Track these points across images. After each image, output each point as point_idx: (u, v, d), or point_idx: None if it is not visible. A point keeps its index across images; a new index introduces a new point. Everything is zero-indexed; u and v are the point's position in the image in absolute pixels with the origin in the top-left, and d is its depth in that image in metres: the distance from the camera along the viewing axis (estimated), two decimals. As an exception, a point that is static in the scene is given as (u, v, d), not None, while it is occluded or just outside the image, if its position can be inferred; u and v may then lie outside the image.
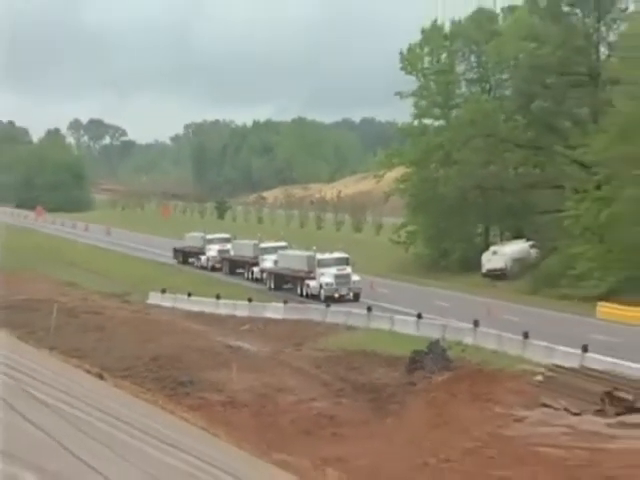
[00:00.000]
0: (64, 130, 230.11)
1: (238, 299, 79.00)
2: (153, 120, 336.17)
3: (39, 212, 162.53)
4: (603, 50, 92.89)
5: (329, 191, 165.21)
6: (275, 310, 75.37)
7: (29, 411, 8.19)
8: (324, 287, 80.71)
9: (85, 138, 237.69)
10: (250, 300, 78.95)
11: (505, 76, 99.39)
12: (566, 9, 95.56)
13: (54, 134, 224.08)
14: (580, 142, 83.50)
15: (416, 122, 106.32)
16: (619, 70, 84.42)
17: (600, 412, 46.29)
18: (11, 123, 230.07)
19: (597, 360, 53.47)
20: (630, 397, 46.52)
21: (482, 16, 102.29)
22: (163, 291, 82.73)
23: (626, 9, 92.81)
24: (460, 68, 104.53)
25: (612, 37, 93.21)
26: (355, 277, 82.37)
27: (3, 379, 10.32)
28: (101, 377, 26.89)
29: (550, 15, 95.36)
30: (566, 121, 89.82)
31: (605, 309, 69.59)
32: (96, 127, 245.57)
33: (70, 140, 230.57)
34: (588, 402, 47.57)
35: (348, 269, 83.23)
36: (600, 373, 50.68)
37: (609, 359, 52.89)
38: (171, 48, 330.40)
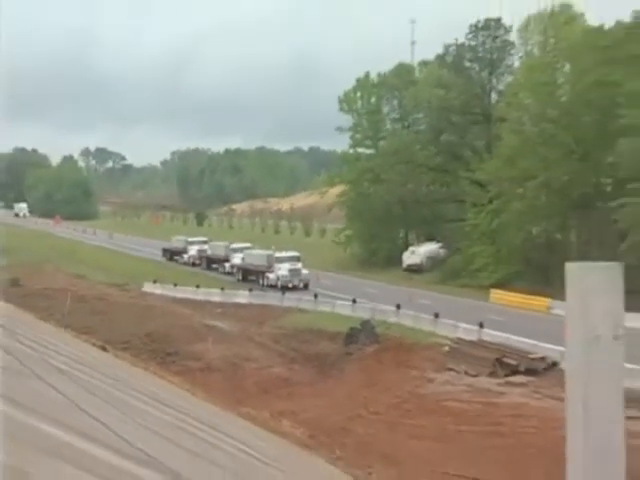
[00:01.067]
0: (76, 156, 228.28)
1: (213, 288, 79.16)
2: (147, 148, 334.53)
3: (57, 220, 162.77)
4: (494, 96, 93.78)
5: (284, 204, 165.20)
6: (242, 297, 75.64)
7: (48, 376, 8.46)
8: (280, 279, 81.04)
9: (93, 162, 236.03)
10: (222, 289, 79.02)
11: (420, 115, 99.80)
12: (467, 64, 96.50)
13: (68, 159, 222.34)
14: (477, 167, 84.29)
15: (352, 151, 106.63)
16: (505, 111, 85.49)
17: (492, 374, 47.01)
18: (34, 150, 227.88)
19: (490, 334, 54.15)
20: (515, 362, 47.44)
21: (402, 69, 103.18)
22: (154, 282, 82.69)
23: (512, 65, 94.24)
24: (385, 109, 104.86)
25: (500, 86, 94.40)
26: (304, 271, 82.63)
27: (28, 351, 10.56)
28: (104, 349, 27.01)
29: (455, 69, 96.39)
30: (467, 150, 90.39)
31: (496, 295, 70.41)
32: (101, 154, 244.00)
33: (81, 164, 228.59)
34: (483, 367, 48.28)
35: (299, 265, 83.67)
36: (492, 344, 51.51)
37: (499, 333, 53.55)
38: (163, 90, 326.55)
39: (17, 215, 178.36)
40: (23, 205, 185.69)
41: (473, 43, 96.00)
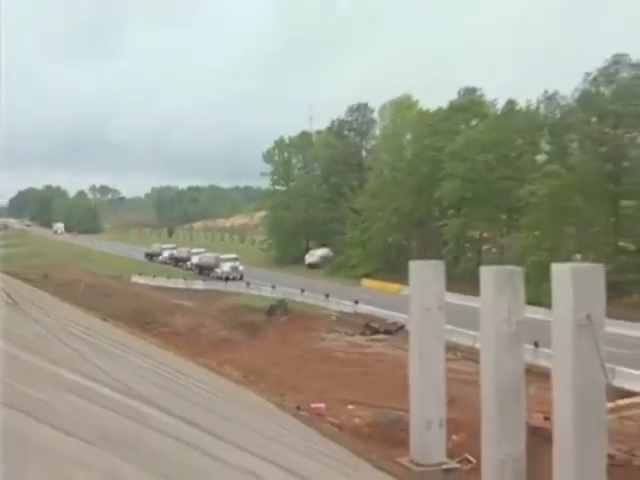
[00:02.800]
0: (86, 190, 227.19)
1: (179, 279, 78.95)
2: (135, 185, 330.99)
3: (74, 234, 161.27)
4: (364, 153, 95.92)
5: (227, 223, 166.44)
6: (199, 285, 76.14)
7: (65, 338, 8.35)
8: (224, 272, 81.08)
9: (98, 195, 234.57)
10: (185, 279, 79.31)
11: (316, 165, 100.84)
12: (346, 133, 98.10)
13: (81, 193, 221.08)
14: (353, 199, 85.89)
15: (271, 188, 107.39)
16: (371, 163, 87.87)
17: (362, 334, 47.82)
18: (58, 187, 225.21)
19: (362, 308, 54.87)
20: (377, 326, 48.44)
21: (304, 135, 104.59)
22: (139, 274, 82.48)
23: (374, 134, 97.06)
24: (293, 161, 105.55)
25: (368, 147, 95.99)
26: (241, 267, 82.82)
27: (52, 322, 10.40)
28: (105, 320, 26.65)
29: (338, 135, 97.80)
30: (346, 188, 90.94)
31: (365, 282, 71.48)
32: (104, 189, 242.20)
33: (90, 196, 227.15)
34: (357, 329, 49.04)
35: (237, 263, 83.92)
36: (363, 315, 52.38)
37: (367, 307, 54.29)
38: (148, 147, 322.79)
39: (55, 232, 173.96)
40: (60, 225, 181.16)
41: (350, 119, 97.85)
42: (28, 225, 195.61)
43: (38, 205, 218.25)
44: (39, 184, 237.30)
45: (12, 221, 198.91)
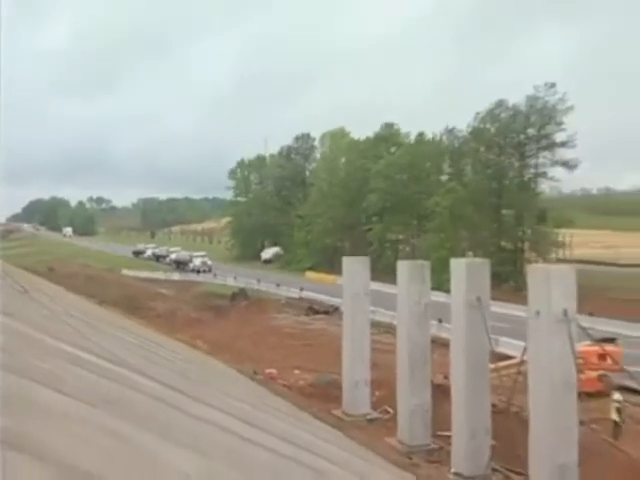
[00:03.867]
0: (85, 201, 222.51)
1: (160, 272, 77.67)
2: (124, 196, 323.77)
3: (71, 235, 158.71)
4: (307, 173, 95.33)
5: (199, 227, 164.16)
6: (176, 276, 74.28)
7: (67, 319, 8.22)
8: (196, 266, 79.88)
9: (94, 204, 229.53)
10: (164, 272, 77.93)
11: (270, 181, 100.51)
12: (293, 156, 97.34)
13: (80, 203, 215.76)
14: (299, 208, 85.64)
15: (235, 199, 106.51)
16: (313, 180, 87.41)
17: (306, 314, 47.76)
18: (62, 198, 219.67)
19: (306, 294, 54.81)
20: (318, 308, 48.50)
21: (260, 158, 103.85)
22: (128, 268, 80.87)
23: (315, 157, 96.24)
24: (252, 177, 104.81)
25: (311, 168, 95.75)
26: (209, 262, 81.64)
27: (57, 307, 10.22)
28: (100, 305, 26.14)
29: (287, 158, 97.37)
30: (294, 199, 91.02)
31: (308, 274, 70.87)
32: (99, 200, 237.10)
33: (87, 205, 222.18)
34: (301, 311, 49.00)
35: (206, 259, 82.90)
36: (306, 299, 52.31)
37: (310, 293, 54.19)
38: (137, 164, 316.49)
39: (64, 235, 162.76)
40: (69, 229, 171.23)
41: (296, 145, 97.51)
42: (37, 229, 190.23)
43: (45, 213, 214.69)
44: (46, 195, 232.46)
45: (25, 225, 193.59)
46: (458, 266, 19.56)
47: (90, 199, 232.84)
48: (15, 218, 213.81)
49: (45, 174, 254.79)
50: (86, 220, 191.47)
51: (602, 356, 24.20)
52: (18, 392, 2.12)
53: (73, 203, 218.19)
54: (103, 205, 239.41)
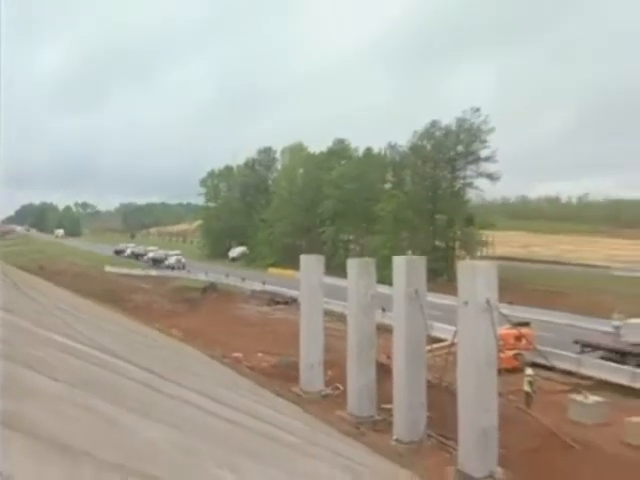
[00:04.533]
0: (71, 205, 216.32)
1: (139, 268, 75.88)
2: (107, 201, 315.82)
3: (63, 237, 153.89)
4: (270, 182, 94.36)
5: (174, 229, 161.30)
6: (153, 273, 72.45)
7: (55, 311, 8.06)
8: (171, 264, 77.95)
9: (80, 209, 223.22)
10: (143, 268, 76.06)
11: (237, 189, 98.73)
12: (257, 167, 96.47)
13: (68, 207, 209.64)
14: (262, 212, 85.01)
15: (206, 204, 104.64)
16: (275, 188, 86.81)
17: (268, 305, 47.33)
18: (51, 203, 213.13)
19: (268, 287, 54.19)
20: (279, 299, 48.04)
21: (228, 169, 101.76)
22: (111, 265, 78.61)
23: (277, 167, 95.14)
24: (221, 186, 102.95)
25: (272, 177, 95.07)
26: (183, 260, 79.95)
27: (46, 300, 10.01)
28: (85, 298, 25.60)
29: (251, 169, 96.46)
30: (258, 205, 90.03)
31: (271, 270, 70.16)
32: (84, 204, 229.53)
33: (74, 210, 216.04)
34: (264, 302, 48.56)
35: (180, 257, 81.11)
36: (268, 292, 51.71)
37: (272, 287, 53.57)
38: (118, 173, 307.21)
39: (57, 237, 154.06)
40: (60, 230, 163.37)
41: (260, 157, 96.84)
42: (28, 230, 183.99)
43: (36, 216, 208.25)
44: (37, 200, 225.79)
45: (17, 227, 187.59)
46: (399, 263, 19.83)
47: (76, 204, 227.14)
48: (9, 220, 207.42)
49: (36, 181, 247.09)
50: (73, 223, 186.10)
51: (518, 338, 24.84)
52: (13, 378, 2.10)
53: (61, 207, 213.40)
54: (88, 209, 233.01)
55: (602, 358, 25.43)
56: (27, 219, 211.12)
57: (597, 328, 30.03)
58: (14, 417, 1.78)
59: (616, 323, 27.45)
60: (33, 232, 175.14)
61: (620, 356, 24.98)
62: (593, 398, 20.07)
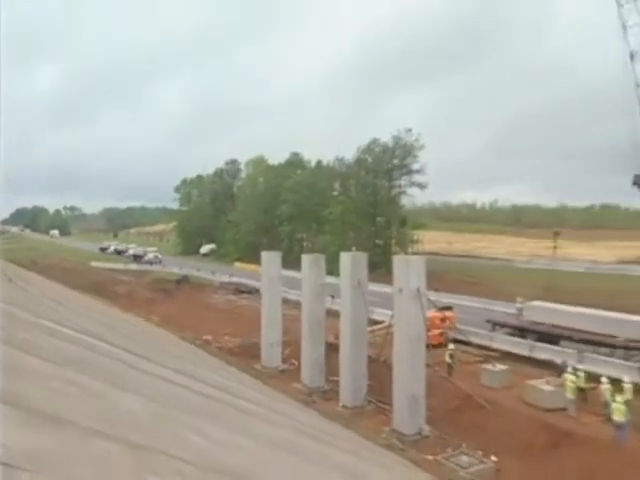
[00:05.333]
0: (61, 209, 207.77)
1: (121, 263, 73.46)
2: (93, 205, 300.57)
3: (55, 237, 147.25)
4: (235, 189, 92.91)
5: (152, 229, 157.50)
6: (134, 267, 70.00)
7: (45, 301, 7.79)
8: (149, 259, 75.52)
9: (68, 212, 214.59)
10: (125, 263, 73.49)
11: (207, 195, 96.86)
12: (225, 177, 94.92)
13: (57, 211, 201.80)
14: (230, 215, 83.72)
15: (180, 207, 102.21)
16: (239, 194, 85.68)
17: (234, 294, 46.58)
18: (42, 206, 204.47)
19: (234, 279, 53.02)
20: (243, 289, 47.24)
21: (199, 178, 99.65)
22: (96, 260, 75.82)
23: (242, 177, 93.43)
24: (193, 192, 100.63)
25: (238, 184, 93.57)
26: (160, 256, 77.67)
27: (38, 291, 9.64)
28: (73, 289, 24.77)
29: (219, 177, 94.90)
30: (225, 209, 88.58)
31: (237, 264, 69.02)
32: (72, 208, 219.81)
33: (63, 212, 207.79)
34: (230, 291, 47.84)
35: (157, 254, 78.86)
36: (234, 283, 50.82)
37: (237, 279, 52.56)
38: (102, 180, 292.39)
39: (51, 236, 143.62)
40: (55, 231, 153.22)
41: (227, 168, 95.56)
42: (22, 230, 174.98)
43: (29, 218, 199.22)
44: (30, 204, 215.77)
45: (13, 228, 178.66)
46: (345, 258, 20.00)
47: (65, 207, 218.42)
48: (4, 222, 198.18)
49: (29, 187, 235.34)
50: (62, 224, 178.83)
51: (442, 319, 25.39)
52: (7, 359, 2.04)
53: (51, 210, 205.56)
54: (75, 212, 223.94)
55: (508, 334, 26.12)
56: (21, 221, 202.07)
57: (504, 310, 30.52)
58: (7, 393, 1.74)
59: (519, 305, 28.26)
60: (27, 232, 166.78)
61: (522, 332, 25.68)
62: (500, 367, 20.69)
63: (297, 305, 27.08)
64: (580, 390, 17.56)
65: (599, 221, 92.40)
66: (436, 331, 24.33)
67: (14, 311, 4.07)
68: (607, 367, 19.93)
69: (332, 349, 20.85)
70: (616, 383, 17.06)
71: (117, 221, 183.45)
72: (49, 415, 1.82)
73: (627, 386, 17.00)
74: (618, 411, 15.20)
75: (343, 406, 18.62)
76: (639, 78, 15.16)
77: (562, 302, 27.19)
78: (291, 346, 23.32)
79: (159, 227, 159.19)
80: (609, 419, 15.53)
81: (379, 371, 18.81)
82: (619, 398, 15.62)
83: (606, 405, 16.13)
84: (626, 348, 21.70)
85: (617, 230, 73.20)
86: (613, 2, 15.33)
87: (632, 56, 15.41)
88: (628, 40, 15.25)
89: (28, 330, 3.31)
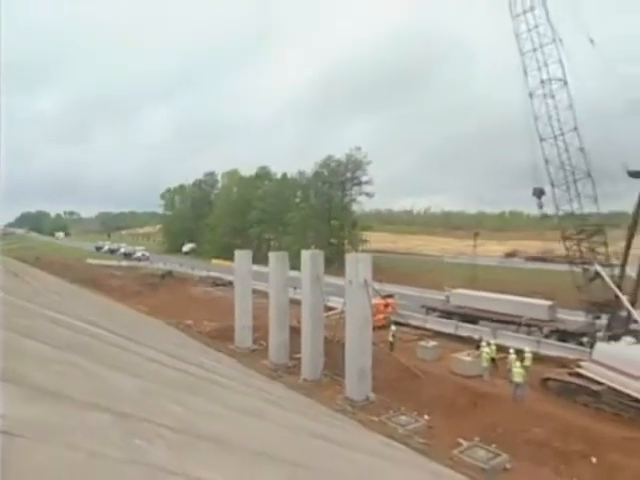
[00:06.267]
0: (61, 213, 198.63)
1: (114, 260, 70.48)
2: (89, 210, 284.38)
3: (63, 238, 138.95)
4: (212, 197, 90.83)
5: (141, 231, 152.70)
6: (124, 263, 67.22)
7: (47, 294, 7.45)
8: (138, 257, 73.32)
9: (67, 216, 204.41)
10: (117, 260, 70.37)
11: (188, 201, 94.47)
12: (204, 187, 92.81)
13: (58, 215, 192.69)
14: (207, 218, 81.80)
15: (164, 212, 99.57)
16: (215, 202, 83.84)
17: (211, 287, 45.59)
18: (45, 211, 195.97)
19: (211, 274, 51.90)
20: (219, 283, 46.19)
21: (181, 188, 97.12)
22: (92, 258, 72.25)
23: (218, 187, 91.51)
24: (176, 199, 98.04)
25: (214, 192, 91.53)
26: (147, 254, 75.37)
27: (40, 285, 9.21)
28: (71, 283, 23.67)
29: (199, 188, 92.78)
30: (204, 215, 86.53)
31: (214, 261, 67.32)
32: (71, 212, 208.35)
33: (63, 216, 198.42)
34: (208, 284, 46.76)
35: (146, 252, 76.64)
36: (212, 277, 49.66)
37: (214, 273, 51.38)
38: (97, 190, 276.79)
39: (57, 238, 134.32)
40: (61, 233, 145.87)
41: (205, 179, 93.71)
42: (28, 232, 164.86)
43: (32, 221, 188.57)
44: (34, 209, 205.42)
45: (18, 230, 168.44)
46: (305, 255, 20.03)
47: (65, 212, 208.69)
48: (10, 225, 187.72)
49: (33, 194, 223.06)
50: (62, 227, 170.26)
51: (386, 305, 25.80)
52: (12, 343, 1.96)
53: (52, 214, 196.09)
54: (74, 216, 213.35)
55: (438, 317, 26.59)
56: (26, 224, 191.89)
57: (435, 297, 31.07)
58: (10, 371, 1.69)
59: (446, 293, 28.90)
60: (33, 234, 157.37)
61: (448, 315, 26.19)
62: (432, 343, 21.17)
63: (265, 295, 26.91)
64: (492, 360, 18.21)
65: (509, 224, 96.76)
66: (380, 315, 24.51)
67: (19, 302, 3.90)
68: (514, 341, 20.73)
69: (295, 332, 20.83)
70: (520, 353, 17.83)
71: (110, 224, 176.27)
72: (49, 391, 1.77)
73: (527, 355, 17.80)
74: (518, 374, 15.93)
75: (304, 379, 18.64)
76: (536, 113, 15.92)
77: (480, 289, 27.83)
78: (260, 330, 23.14)
79: (147, 229, 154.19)
80: (511, 382, 16.20)
81: (333, 349, 18.95)
82: (518, 364, 16.35)
83: (510, 370, 16.82)
84: (528, 325, 22.68)
85: (521, 231, 76.73)
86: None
87: (531, 95, 16.13)
88: (528, 82, 15.96)
89: (32, 318, 3.19)
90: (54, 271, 32.53)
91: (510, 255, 60.22)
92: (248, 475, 2.03)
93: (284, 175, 74.56)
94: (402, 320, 24.41)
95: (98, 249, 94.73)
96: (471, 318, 24.71)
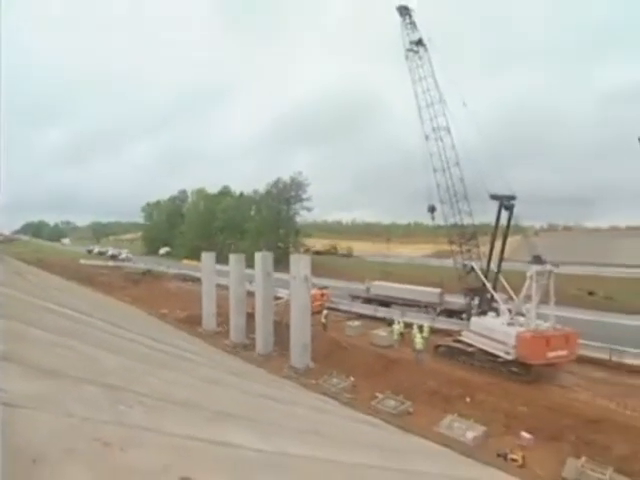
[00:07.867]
0: (59, 223, 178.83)
1: (102, 261, 64.00)
2: (83, 219, 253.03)
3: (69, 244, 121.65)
4: (184, 210, 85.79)
5: (126, 237, 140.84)
6: (111, 263, 61.41)
7: (46, 290, 6.80)
8: (122, 258, 67.09)
9: (64, 225, 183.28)
10: (105, 261, 63.98)
11: (164, 214, 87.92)
12: (177, 202, 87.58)
13: (56, 224, 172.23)
14: (180, 227, 77.48)
15: (145, 222, 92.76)
16: (186, 214, 79.47)
17: (183, 282, 42.98)
18: (44, 221, 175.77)
19: (183, 271, 48.91)
20: (189, 279, 43.34)
21: (158, 202, 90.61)
22: (84, 259, 65.29)
23: (188, 202, 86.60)
24: (154, 212, 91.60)
25: (185, 206, 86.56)
26: (130, 255, 69.64)
27: (41, 282, 8.36)
28: (68, 280, 21.40)
29: (173, 202, 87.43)
30: (177, 223, 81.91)
31: (184, 261, 63.38)
32: (67, 222, 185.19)
33: (60, 226, 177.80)
34: (181, 280, 44.23)
35: (129, 254, 69.98)
36: (183, 274, 46.75)
37: (186, 271, 48.45)
38: (89, 202, 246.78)
39: (63, 244, 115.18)
40: (67, 239, 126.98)
41: (178, 195, 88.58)
42: (30, 238, 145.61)
43: (35, 230, 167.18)
44: (36, 218, 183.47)
45: (23, 236, 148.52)
46: (258, 256, 19.82)
47: (62, 222, 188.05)
48: (16, 232, 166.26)
49: (36, 206, 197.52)
50: (59, 234, 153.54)
51: (321, 295, 26.07)
52: (16, 331, 1.87)
53: (52, 224, 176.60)
54: (70, 225, 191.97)
55: (361, 302, 26.79)
56: (29, 231, 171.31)
57: (359, 288, 30.90)
58: (12, 353, 1.62)
59: (367, 284, 29.61)
60: (38, 240, 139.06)
61: (369, 301, 26.52)
62: (356, 323, 21.63)
63: (226, 288, 26.21)
64: (401, 334, 19.05)
65: (413, 232, 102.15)
66: (317, 303, 24.46)
67: (24, 297, 3.60)
68: (416, 319, 21.81)
69: (250, 317, 20.50)
70: (420, 328, 18.83)
71: (100, 231, 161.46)
72: (47, 370, 1.72)
73: (425, 328, 18.88)
74: (419, 343, 16.85)
75: (258, 354, 18.40)
76: (431, 151, 17.20)
77: (392, 281, 28.75)
78: (222, 316, 22.49)
79: (130, 235, 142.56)
80: (414, 349, 17.09)
81: (281, 330, 18.89)
82: (419, 335, 17.30)
83: (413, 341, 17.75)
84: (425, 307, 24.01)
85: (421, 237, 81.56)
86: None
87: (426, 138, 17.39)
88: (424, 128, 17.22)
89: (35, 310, 2.97)
90: (53, 271, 29.37)
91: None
92: (211, 428, 2.08)
93: (241, 193, 73.44)
94: (334, 306, 24.80)
95: (89, 252, 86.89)
96: (386, 303, 25.30)
